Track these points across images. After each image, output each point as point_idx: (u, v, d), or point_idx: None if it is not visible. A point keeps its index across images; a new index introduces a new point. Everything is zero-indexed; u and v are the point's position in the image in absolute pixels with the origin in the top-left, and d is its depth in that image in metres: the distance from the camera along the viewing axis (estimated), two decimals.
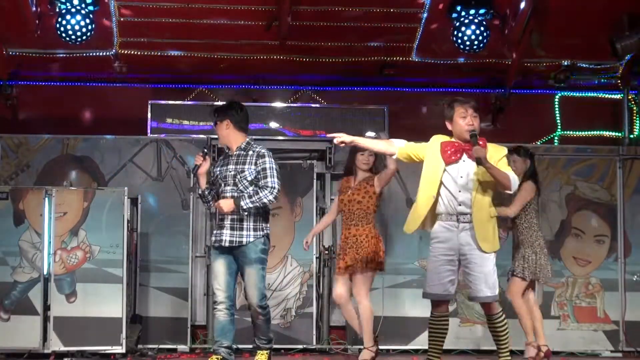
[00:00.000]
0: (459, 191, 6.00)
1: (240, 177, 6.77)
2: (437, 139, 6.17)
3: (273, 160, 6.79)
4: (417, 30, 9.49)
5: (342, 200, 7.70)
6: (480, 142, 6.00)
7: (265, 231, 6.82)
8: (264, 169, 6.75)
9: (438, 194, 6.04)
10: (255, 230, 6.76)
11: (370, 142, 6.47)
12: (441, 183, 6.03)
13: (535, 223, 7.81)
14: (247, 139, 6.89)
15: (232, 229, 6.73)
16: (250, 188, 6.74)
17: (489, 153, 5.97)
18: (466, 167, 6.02)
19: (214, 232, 6.90)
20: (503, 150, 6.11)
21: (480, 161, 5.87)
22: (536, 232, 7.78)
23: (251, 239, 6.72)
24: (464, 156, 6.02)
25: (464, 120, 6.04)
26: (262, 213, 6.81)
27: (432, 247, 6.09)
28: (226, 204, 6.66)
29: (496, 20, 9.23)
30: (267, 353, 6.86)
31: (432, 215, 6.10)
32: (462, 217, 5.98)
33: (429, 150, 6.14)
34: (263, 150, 6.84)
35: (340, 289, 7.56)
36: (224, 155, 7.03)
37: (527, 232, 7.76)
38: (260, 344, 6.87)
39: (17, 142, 9.20)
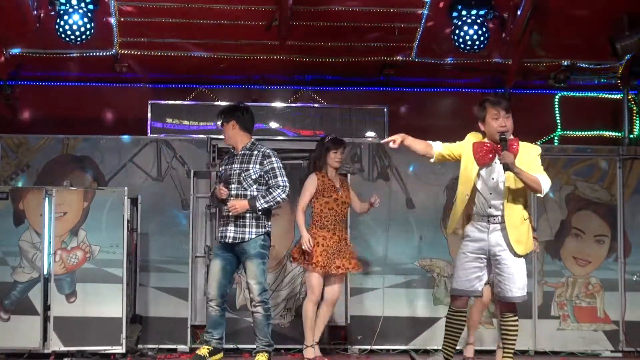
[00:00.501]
0: (490, 193, 6.03)
1: (245, 176, 7.06)
2: (470, 139, 6.16)
3: (279, 160, 7.12)
4: (417, 30, 9.49)
5: (335, 200, 7.72)
6: (514, 145, 6.00)
7: (267, 228, 7.12)
8: (273, 169, 7.08)
9: (472, 194, 6.07)
10: (257, 227, 7.06)
11: (415, 142, 6.35)
12: (474, 184, 6.05)
13: None
14: (252, 140, 7.20)
15: (236, 225, 7.04)
16: (255, 186, 7.04)
17: (521, 153, 5.98)
18: (498, 169, 6.02)
19: (220, 228, 7.21)
20: (536, 149, 6.11)
21: (507, 167, 5.86)
22: None
23: (253, 236, 7.03)
24: (496, 158, 6.01)
25: (496, 121, 6.01)
26: (265, 211, 7.07)
27: (462, 245, 6.14)
28: (241, 205, 6.98)
29: (496, 20, 9.23)
30: (267, 355, 7.05)
31: (467, 215, 6.15)
32: (492, 219, 6.02)
33: (464, 150, 6.14)
34: (268, 151, 7.13)
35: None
36: (229, 155, 7.30)
37: None
38: (261, 344, 7.07)
39: (17, 142, 9.19)
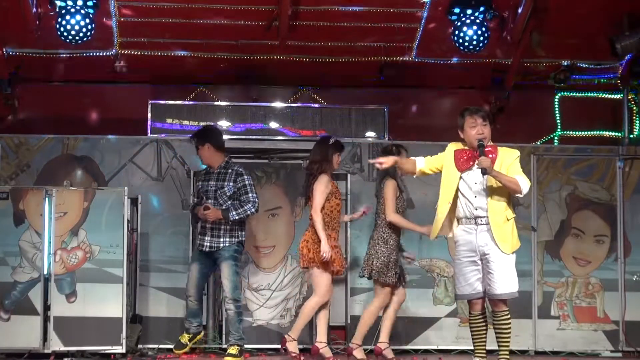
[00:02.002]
0: (475, 197, 6.35)
1: (220, 193, 7.88)
2: (452, 148, 6.48)
3: (250, 177, 7.93)
4: (417, 30, 9.49)
5: (338, 204, 7.79)
6: (490, 150, 6.32)
7: (240, 238, 7.90)
8: (244, 186, 7.85)
9: (455, 200, 6.39)
10: (231, 237, 7.85)
11: (404, 162, 6.75)
12: (457, 190, 6.37)
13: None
14: (226, 159, 7.99)
15: (212, 235, 7.87)
16: (229, 202, 7.83)
17: (501, 157, 6.30)
18: (479, 174, 6.30)
19: (199, 237, 8.04)
20: (515, 153, 6.41)
21: (485, 171, 6.18)
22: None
23: (227, 244, 7.84)
24: (476, 163, 6.31)
25: (474, 129, 6.35)
26: (239, 222, 7.85)
27: (456, 251, 6.45)
28: (215, 214, 7.75)
29: (496, 20, 9.23)
30: (237, 347, 7.84)
31: (452, 220, 6.46)
32: (479, 220, 6.32)
33: (445, 160, 6.46)
34: (241, 169, 7.92)
35: None
36: (205, 171, 8.10)
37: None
38: (233, 338, 7.87)
39: (17, 142, 9.20)
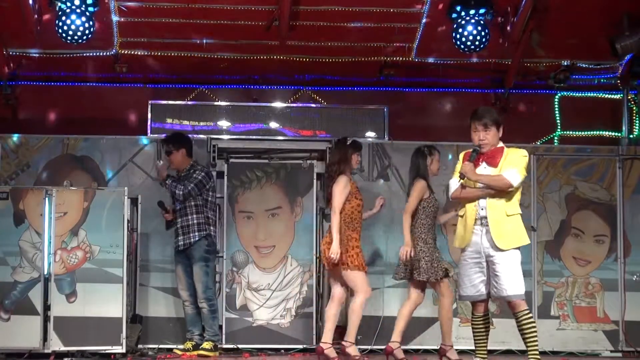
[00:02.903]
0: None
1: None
2: (463, 152, 6.53)
3: (204, 175, 8.52)
4: (417, 30, 9.49)
5: (358, 205, 7.77)
6: (500, 153, 6.33)
7: (207, 231, 8.47)
8: (193, 177, 8.48)
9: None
10: (199, 231, 8.44)
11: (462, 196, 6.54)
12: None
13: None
14: (191, 162, 8.62)
15: (183, 233, 8.47)
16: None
17: (508, 158, 6.30)
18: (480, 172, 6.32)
19: (173, 239, 8.61)
20: (519, 152, 6.39)
21: (464, 175, 6.25)
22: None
23: (196, 239, 8.41)
24: (483, 164, 6.33)
25: (476, 134, 6.37)
26: (204, 218, 8.47)
27: (462, 252, 6.42)
28: (161, 173, 8.58)
29: (496, 20, 9.23)
30: (211, 343, 8.36)
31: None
32: (484, 221, 6.29)
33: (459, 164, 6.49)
34: (205, 168, 8.68)
35: None
36: (176, 176, 8.62)
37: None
38: (208, 335, 8.42)
39: (17, 142, 9.19)
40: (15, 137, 9.20)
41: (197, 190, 8.46)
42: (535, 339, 6.19)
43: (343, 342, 7.69)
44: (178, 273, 8.59)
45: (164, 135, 9.37)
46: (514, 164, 6.29)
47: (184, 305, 8.57)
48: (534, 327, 6.22)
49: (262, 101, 9.96)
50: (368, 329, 8.78)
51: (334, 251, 7.50)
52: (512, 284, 6.19)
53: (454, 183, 6.41)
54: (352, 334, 7.67)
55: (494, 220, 6.24)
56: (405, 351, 8.81)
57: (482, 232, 6.28)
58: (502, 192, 6.24)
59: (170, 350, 8.65)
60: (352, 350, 7.65)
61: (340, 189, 7.63)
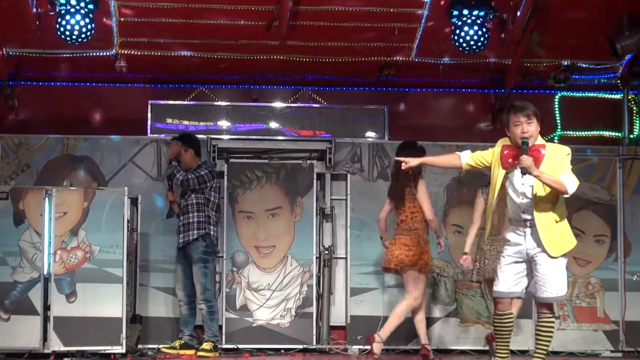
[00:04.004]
0: (522, 199, 6.08)
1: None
2: (500, 143, 6.21)
3: (207, 172, 8.55)
4: (417, 30, 9.49)
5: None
6: (540, 149, 6.01)
7: (206, 230, 8.48)
8: (197, 171, 8.55)
9: (501, 199, 6.17)
10: (198, 229, 8.48)
11: (436, 159, 6.65)
12: (503, 188, 6.13)
13: None
14: (199, 162, 8.67)
15: (183, 231, 8.53)
16: (193, 195, 8.52)
17: (548, 156, 6.00)
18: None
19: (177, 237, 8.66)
20: (564, 150, 6.11)
21: (525, 170, 5.91)
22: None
23: (195, 236, 8.46)
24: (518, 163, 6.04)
25: (518, 127, 6.04)
26: (204, 217, 8.49)
27: (504, 249, 6.24)
28: (173, 149, 8.69)
29: (496, 20, 9.22)
30: (211, 344, 8.38)
31: (502, 221, 6.38)
32: (527, 222, 6.07)
33: (494, 155, 6.20)
34: (205, 166, 8.63)
35: None
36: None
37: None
38: (207, 335, 8.44)
39: (17, 142, 9.20)
40: (15, 137, 9.21)
41: (196, 182, 8.48)
42: (548, 343, 6.15)
43: (375, 335, 7.83)
44: (178, 273, 8.65)
45: (163, 135, 9.39)
46: (565, 168, 6.01)
47: (179, 305, 8.64)
48: (553, 331, 6.16)
49: (262, 101, 9.96)
50: (368, 329, 8.77)
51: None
52: (558, 287, 6.07)
53: (465, 156, 6.24)
54: (387, 332, 7.84)
55: (544, 226, 6.00)
56: (406, 351, 8.83)
57: (525, 233, 6.07)
58: (553, 194, 5.98)
59: (159, 350, 8.66)
60: (376, 347, 7.79)
61: (425, 191, 7.90)
